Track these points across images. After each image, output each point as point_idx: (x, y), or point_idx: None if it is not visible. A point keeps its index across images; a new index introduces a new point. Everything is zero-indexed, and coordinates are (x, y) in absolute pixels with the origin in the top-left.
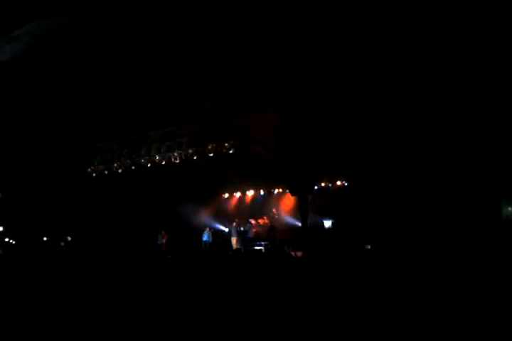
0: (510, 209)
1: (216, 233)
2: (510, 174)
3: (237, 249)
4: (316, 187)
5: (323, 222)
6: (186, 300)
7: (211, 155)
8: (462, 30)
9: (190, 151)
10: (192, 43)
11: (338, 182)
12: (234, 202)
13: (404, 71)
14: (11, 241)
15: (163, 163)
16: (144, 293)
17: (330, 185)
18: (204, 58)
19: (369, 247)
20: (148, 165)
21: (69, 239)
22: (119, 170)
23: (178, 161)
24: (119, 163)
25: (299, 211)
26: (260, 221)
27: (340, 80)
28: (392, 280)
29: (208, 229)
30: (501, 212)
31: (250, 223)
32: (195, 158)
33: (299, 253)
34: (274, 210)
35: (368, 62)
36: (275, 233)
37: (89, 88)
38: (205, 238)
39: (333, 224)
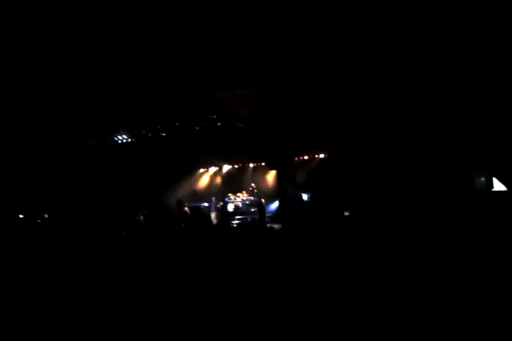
0: (482, 179)
1: (195, 208)
2: (483, 147)
3: (217, 223)
4: (295, 160)
5: (301, 195)
6: (169, 276)
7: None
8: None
9: (158, 127)
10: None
11: (317, 156)
12: (212, 177)
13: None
14: None
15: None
16: (124, 270)
17: (309, 157)
18: (181, 34)
19: (347, 214)
20: (128, 140)
21: (46, 216)
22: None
23: (150, 135)
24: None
25: (278, 184)
26: (239, 195)
27: (321, 53)
28: (369, 248)
29: (186, 203)
30: (474, 182)
31: (229, 197)
32: (164, 134)
33: (277, 226)
34: (252, 184)
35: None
36: (263, 205)
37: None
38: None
39: (311, 196)
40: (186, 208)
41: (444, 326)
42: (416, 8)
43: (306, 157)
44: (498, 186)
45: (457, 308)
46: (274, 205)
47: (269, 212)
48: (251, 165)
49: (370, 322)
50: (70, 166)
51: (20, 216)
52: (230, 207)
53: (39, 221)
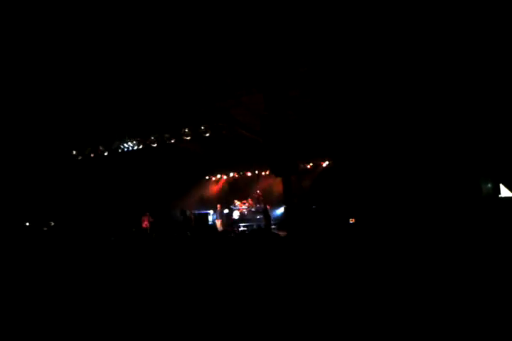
0: (489, 185)
1: (201, 216)
2: (489, 153)
3: (223, 230)
4: (300, 167)
5: (307, 202)
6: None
7: (188, 138)
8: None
9: (167, 136)
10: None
11: (323, 163)
12: (219, 184)
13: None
14: None
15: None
16: (129, 276)
17: (314, 165)
18: (186, 42)
19: (352, 221)
20: (134, 148)
21: (52, 224)
22: (105, 154)
23: (156, 145)
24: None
25: (283, 192)
26: (245, 202)
27: (325, 60)
28: (375, 255)
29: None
30: (481, 188)
31: (235, 205)
32: (173, 141)
33: (282, 233)
34: (258, 191)
35: (352, 45)
36: (268, 212)
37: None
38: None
39: (316, 203)
40: (191, 216)
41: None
42: (417, 14)
43: (311, 164)
44: (505, 192)
45: (465, 316)
46: (280, 211)
47: (273, 219)
48: (257, 172)
49: (375, 329)
50: (77, 174)
51: (27, 224)
52: (236, 214)
53: (45, 229)
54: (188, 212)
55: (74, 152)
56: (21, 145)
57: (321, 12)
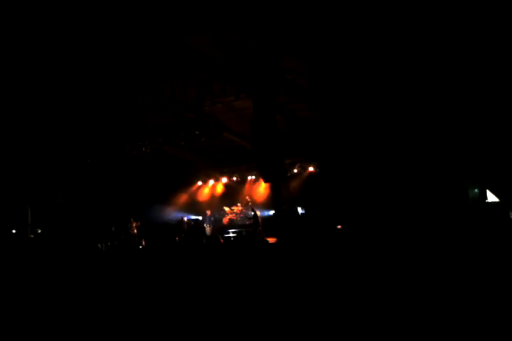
0: (476, 191)
1: (194, 221)
2: (476, 158)
3: (212, 236)
4: (288, 174)
5: (296, 208)
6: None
7: (182, 143)
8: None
9: (160, 140)
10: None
11: (310, 168)
12: (207, 190)
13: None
14: None
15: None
16: (120, 284)
17: (302, 171)
18: (171, 44)
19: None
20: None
21: (39, 231)
22: (88, 161)
23: (148, 150)
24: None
25: (272, 197)
26: (234, 208)
27: (312, 64)
28: (362, 261)
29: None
30: (468, 193)
31: (224, 210)
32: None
33: (272, 239)
34: (247, 197)
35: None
36: (257, 218)
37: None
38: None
39: (305, 209)
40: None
41: None
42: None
43: (301, 171)
44: (491, 197)
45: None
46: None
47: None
48: (246, 178)
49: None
50: (64, 180)
51: (13, 231)
52: (225, 221)
53: (32, 236)
54: (180, 218)
55: (61, 158)
56: (6, 152)
57: (310, 19)
